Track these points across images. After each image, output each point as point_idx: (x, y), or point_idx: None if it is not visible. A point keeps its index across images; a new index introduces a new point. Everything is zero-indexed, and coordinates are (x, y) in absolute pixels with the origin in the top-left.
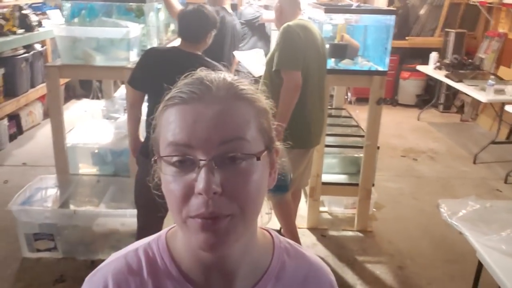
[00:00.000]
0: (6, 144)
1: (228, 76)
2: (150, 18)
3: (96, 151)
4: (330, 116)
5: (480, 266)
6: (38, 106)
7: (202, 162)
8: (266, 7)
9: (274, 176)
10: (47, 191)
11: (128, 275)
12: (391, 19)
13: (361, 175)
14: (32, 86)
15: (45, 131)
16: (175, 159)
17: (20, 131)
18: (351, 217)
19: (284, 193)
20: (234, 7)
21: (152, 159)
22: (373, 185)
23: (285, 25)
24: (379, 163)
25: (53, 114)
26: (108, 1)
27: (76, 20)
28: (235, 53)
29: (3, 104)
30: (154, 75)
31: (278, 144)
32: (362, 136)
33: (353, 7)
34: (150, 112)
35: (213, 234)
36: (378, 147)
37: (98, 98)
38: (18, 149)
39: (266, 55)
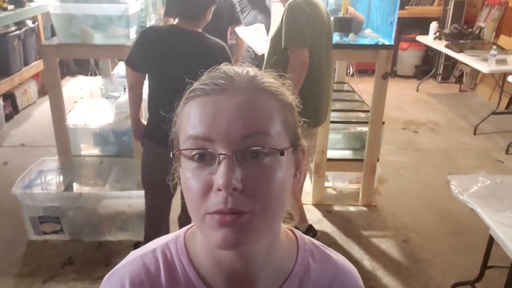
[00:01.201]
0: (3, 124)
1: (252, 70)
2: None
3: (98, 131)
4: (333, 90)
5: (491, 241)
6: (32, 85)
7: (222, 156)
8: None
9: (299, 177)
10: (50, 173)
11: (145, 279)
12: None
13: (366, 150)
14: (26, 64)
15: (42, 109)
16: (194, 152)
17: (16, 110)
18: (356, 192)
19: None
20: None
21: (171, 153)
22: (377, 160)
23: (291, 0)
24: None
25: (52, 95)
26: None
27: None
28: (237, 29)
29: None
30: (153, 55)
31: (305, 142)
32: (367, 111)
33: None
34: (152, 94)
35: (231, 230)
36: (383, 122)
37: (95, 75)
38: (15, 129)
39: (267, 29)
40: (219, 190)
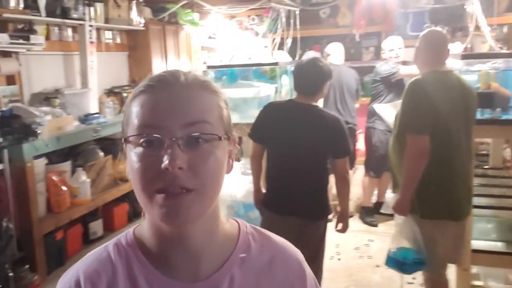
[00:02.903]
0: None
1: (195, 72)
2: (282, 79)
3: (230, 203)
4: (486, 176)
5: None
6: None
7: (168, 141)
8: (405, 63)
9: (231, 164)
10: None
11: (98, 267)
12: None
13: None
14: None
15: None
16: (142, 139)
17: None
18: None
19: (421, 268)
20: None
21: (120, 143)
22: None
23: (412, 80)
24: None
25: None
26: (245, 66)
27: (218, 84)
28: (375, 106)
29: None
30: (272, 128)
31: (235, 134)
32: None
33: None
34: (270, 164)
35: (175, 207)
36: None
37: (238, 160)
38: None
39: None
40: (167, 169)
